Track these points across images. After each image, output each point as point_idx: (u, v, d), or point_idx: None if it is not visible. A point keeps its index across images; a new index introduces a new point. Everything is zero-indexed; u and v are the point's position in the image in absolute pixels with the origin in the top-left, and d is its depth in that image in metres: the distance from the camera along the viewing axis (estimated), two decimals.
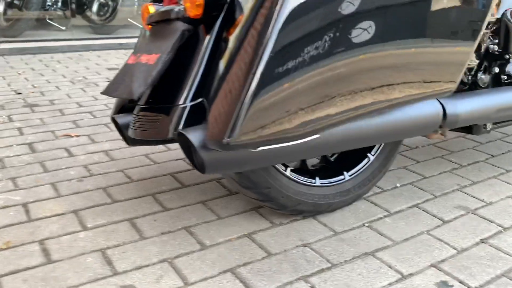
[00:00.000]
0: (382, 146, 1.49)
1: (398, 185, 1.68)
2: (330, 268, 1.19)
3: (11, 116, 2.33)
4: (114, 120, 1.39)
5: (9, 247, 1.23)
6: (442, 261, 1.24)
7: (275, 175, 1.28)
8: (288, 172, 1.32)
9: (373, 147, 1.49)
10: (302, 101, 0.91)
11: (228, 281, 1.13)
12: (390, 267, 1.21)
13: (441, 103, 1.31)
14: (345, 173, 1.45)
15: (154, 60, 1.10)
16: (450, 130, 1.66)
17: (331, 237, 1.33)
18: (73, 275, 1.12)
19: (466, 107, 1.34)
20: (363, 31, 0.97)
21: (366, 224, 1.41)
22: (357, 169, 1.47)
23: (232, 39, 0.98)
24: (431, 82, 1.10)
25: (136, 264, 1.17)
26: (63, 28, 5.57)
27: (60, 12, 5.83)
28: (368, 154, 1.48)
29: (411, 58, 1.07)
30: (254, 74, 0.86)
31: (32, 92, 2.81)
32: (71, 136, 2.06)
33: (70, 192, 1.54)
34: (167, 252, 1.23)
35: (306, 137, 0.94)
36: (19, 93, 2.78)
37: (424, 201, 1.57)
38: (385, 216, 1.46)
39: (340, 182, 1.43)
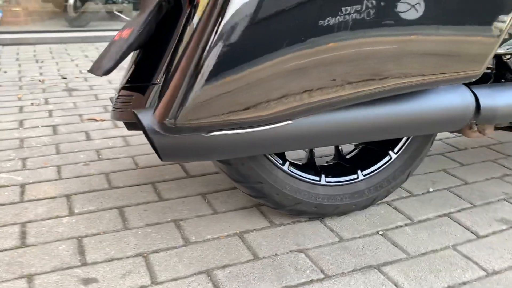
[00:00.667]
0: (407, 143, 1.28)
1: (431, 189, 1.46)
2: (321, 280, 1.03)
3: (48, 99, 2.37)
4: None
5: None
6: (464, 283, 1.03)
7: (269, 169, 1.13)
8: (285, 167, 1.16)
9: (396, 144, 1.29)
10: (265, 82, 0.76)
11: (200, 284, 1.00)
12: (395, 285, 1.02)
13: (474, 94, 1.09)
14: (359, 172, 1.26)
15: (129, 34, 1.00)
16: (497, 129, 1.41)
17: (334, 244, 1.16)
18: (39, 262, 1.05)
19: (506, 99, 1.10)
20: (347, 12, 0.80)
21: (380, 232, 1.22)
22: (374, 169, 1.27)
23: (197, 11, 0.85)
24: (448, 65, 0.89)
25: (108, 256, 1.08)
26: (129, 19, 5.73)
27: (127, 4, 6.02)
28: (390, 152, 1.28)
29: (421, 39, 0.87)
30: (204, 52, 0.73)
31: (77, 78, 2.86)
32: (96, 120, 2.04)
33: (72, 175, 1.49)
34: (146, 245, 1.13)
35: (273, 123, 0.79)
36: (65, 78, 2.84)
37: (459, 210, 1.34)
38: (406, 225, 1.26)
39: (351, 182, 1.24)
